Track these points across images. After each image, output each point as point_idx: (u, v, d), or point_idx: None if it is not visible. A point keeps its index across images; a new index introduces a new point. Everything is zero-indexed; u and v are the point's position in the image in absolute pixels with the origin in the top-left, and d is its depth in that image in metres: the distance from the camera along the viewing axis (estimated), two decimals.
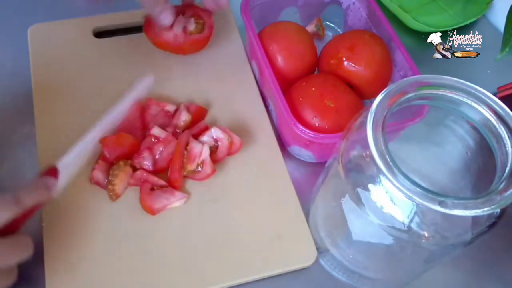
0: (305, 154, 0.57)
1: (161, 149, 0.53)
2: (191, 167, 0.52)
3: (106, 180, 0.52)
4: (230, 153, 0.55)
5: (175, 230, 0.50)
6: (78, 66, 0.61)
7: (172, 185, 0.52)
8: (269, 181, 0.55)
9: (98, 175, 0.52)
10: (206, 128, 0.55)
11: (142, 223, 0.50)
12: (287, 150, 0.59)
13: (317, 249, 0.51)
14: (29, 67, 0.60)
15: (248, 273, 0.49)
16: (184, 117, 0.56)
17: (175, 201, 0.51)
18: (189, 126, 0.56)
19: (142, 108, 0.57)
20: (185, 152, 0.53)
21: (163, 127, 0.55)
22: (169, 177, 0.53)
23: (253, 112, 0.60)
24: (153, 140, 0.54)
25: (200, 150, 0.52)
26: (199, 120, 0.57)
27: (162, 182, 0.52)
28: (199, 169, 0.53)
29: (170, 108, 0.57)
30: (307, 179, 0.57)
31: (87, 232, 0.50)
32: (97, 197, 0.52)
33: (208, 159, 0.53)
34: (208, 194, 0.53)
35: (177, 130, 0.56)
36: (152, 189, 0.52)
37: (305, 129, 0.50)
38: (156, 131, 0.54)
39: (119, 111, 0.52)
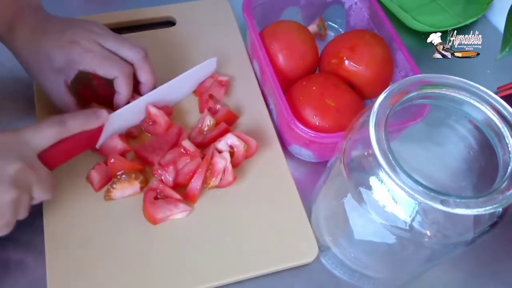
0: (305, 153, 0.57)
1: (187, 161, 0.52)
2: (213, 183, 0.52)
3: (99, 184, 0.52)
4: (247, 156, 0.55)
5: (177, 227, 0.51)
6: None
7: (189, 199, 0.52)
8: (271, 179, 0.55)
9: (94, 176, 0.52)
10: (227, 130, 0.56)
11: (143, 223, 0.50)
12: (288, 149, 0.59)
13: (319, 247, 0.51)
14: None
15: (249, 270, 0.49)
16: (207, 121, 0.56)
17: (178, 213, 0.51)
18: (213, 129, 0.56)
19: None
20: (210, 167, 0.52)
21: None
22: (187, 192, 0.52)
23: (254, 111, 0.60)
24: (182, 151, 0.53)
25: (224, 166, 0.52)
26: (229, 124, 0.57)
27: (177, 196, 0.51)
28: (221, 179, 0.53)
29: None
30: (307, 179, 0.57)
31: (88, 232, 0.49)
32: (103, 200, 0.52)
33: (230, 167, 0.52)
34: (210, 192, 0.53)
35: (203, 132, 0.56)
36: (156, 198, 0.51)
37: (305, 129, 0.50)
38: (186, 143, 0.53)
39: (174, 83, 0.55)
